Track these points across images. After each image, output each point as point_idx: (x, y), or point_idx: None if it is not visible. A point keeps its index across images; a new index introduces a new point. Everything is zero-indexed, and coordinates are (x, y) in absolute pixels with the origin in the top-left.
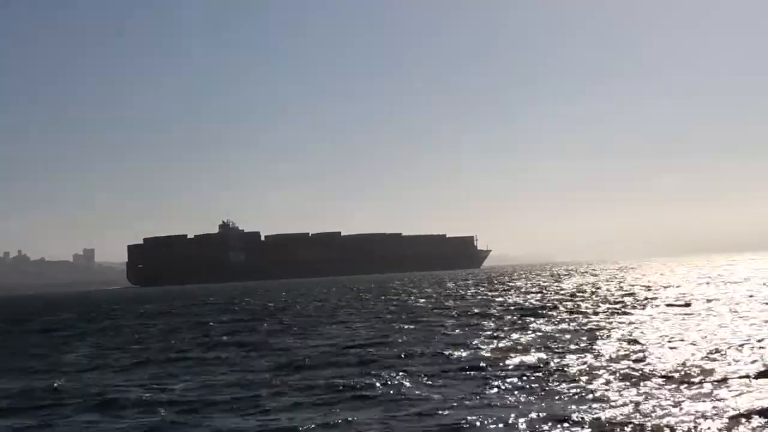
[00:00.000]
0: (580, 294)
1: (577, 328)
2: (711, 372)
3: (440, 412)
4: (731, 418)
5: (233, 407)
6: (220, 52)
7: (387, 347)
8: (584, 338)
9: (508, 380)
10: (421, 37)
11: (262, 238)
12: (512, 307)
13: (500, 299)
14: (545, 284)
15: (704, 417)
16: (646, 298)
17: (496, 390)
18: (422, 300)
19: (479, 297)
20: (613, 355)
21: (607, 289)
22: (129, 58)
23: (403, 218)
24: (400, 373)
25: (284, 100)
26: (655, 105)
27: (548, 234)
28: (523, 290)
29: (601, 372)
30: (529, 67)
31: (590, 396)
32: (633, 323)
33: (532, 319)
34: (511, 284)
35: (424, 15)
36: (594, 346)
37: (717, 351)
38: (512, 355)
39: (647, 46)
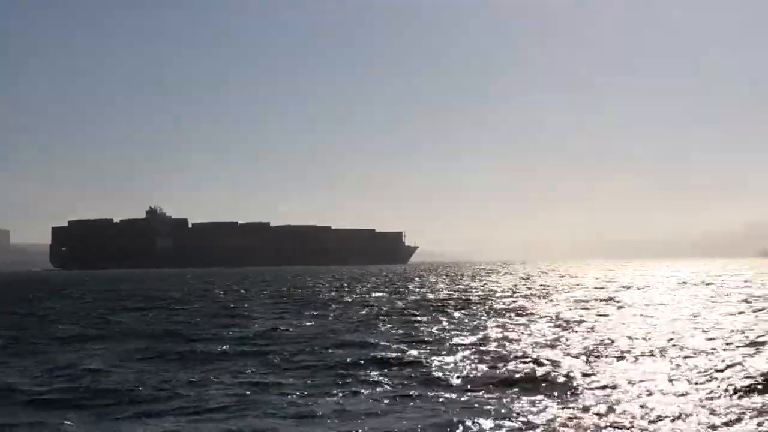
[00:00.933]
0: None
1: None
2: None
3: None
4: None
5: None
6: (149, 38)
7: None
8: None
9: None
10: (353, 37)
11: (190, 226)
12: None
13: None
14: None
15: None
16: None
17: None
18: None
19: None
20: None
21: (511, 288)
22: (42, 43)
23: (335, 212)
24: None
25: (214, 87)
26: (584, 108)
27: (477, 233)
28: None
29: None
30: (462, 69)
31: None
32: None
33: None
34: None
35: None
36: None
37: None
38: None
39: (562, 54)
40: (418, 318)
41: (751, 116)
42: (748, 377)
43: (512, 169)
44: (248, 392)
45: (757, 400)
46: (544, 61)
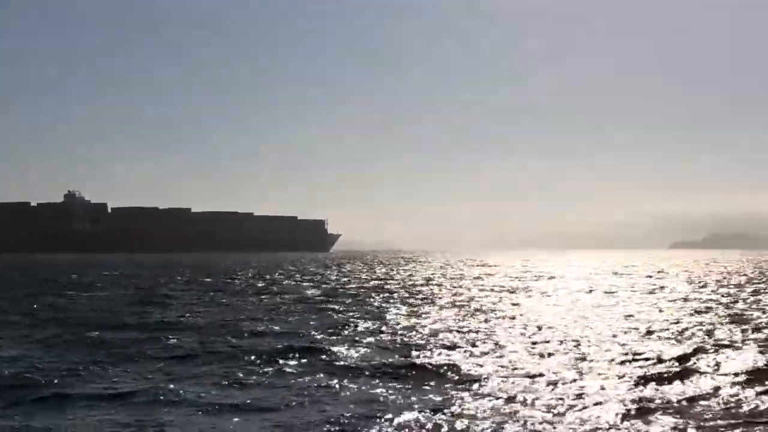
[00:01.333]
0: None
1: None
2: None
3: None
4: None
5: None
6: (65, 16)
7: None
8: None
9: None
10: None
11: (110, 210)
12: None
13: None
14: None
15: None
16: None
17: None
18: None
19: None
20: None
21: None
22: None
23: (258, 198)
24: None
25: (133, 70)
26: (508, 92)
27: (400, 222)
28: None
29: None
30: (395, 56)
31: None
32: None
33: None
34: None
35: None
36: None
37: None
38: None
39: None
40: (332, 306)
41: (673, 113)
42: (625, 361)
43: (435, 158)
44: (159, 381)
45: (623, 388)
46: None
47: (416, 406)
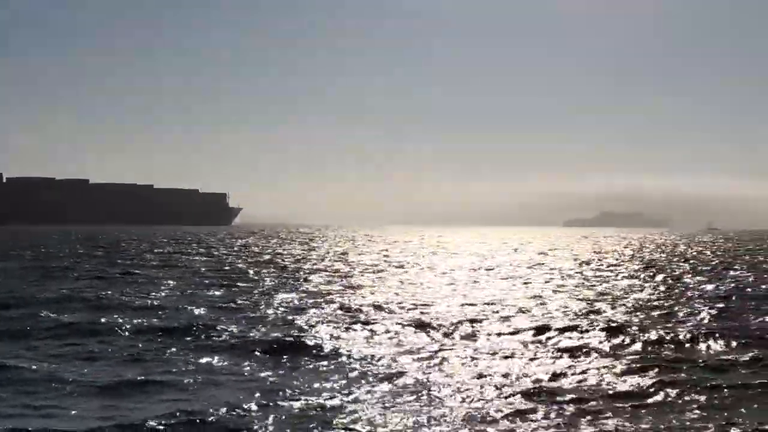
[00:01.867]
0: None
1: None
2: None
3: None
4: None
5: None
6: None
7: None
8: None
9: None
10: None
11: (4, 180)
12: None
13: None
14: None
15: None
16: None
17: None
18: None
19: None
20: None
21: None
22: None
23: (159, 171)
24: None
25: (28, 33)
26: (411, 69)
27: (303, 196)
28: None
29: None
30: (290, 27)
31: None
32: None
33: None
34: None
35: None
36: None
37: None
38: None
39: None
40: (220, 281)
41: (566, 92)
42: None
43: (338, 130)
44: (46, 361)
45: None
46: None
47: (265, 382)
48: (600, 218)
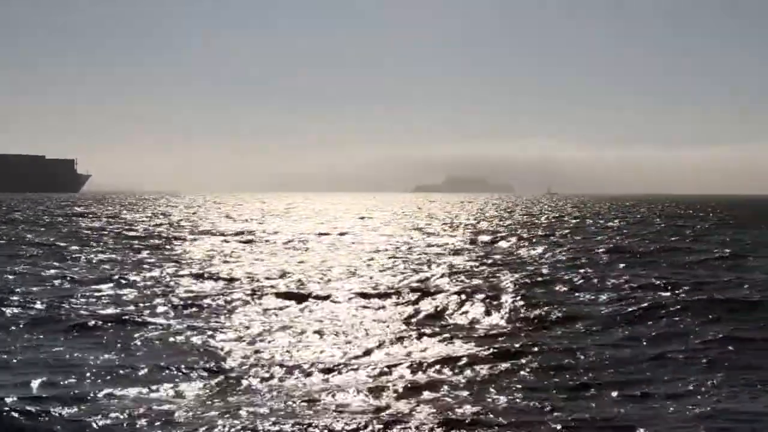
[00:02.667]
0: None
1: None
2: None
3: None
4: None
5: None
6: None
7: None
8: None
9: None
10: None
11: None
12: None
13: None
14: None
15: None
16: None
17: None
18: None
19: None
20: None
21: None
22: None
23: (10, 138)
24: None
25: None
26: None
27: (150, 163)
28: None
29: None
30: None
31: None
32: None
33: None
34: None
35: None
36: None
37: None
38: None
39: None
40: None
41: (414, 64)
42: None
43: (203, 97)
44: None
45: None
46: None
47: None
48: (447, 184)
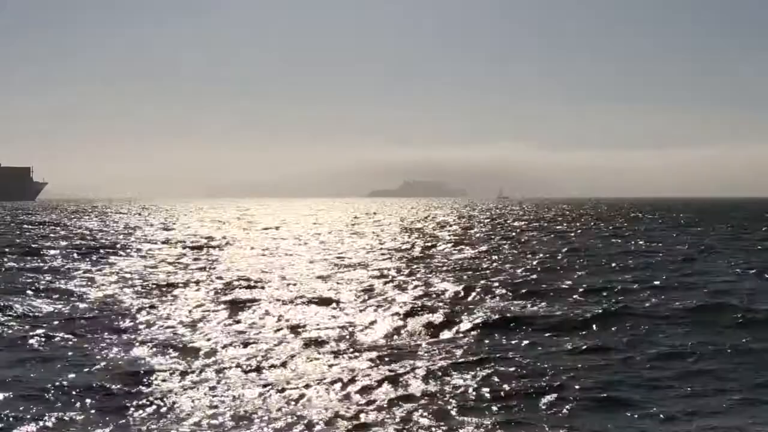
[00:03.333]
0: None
1: None
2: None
3: None
4: None
5: None
6: None
7: None
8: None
9: None
10: None
11: None
12: None
13: None
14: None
15: None
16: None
17: None
18: None
19: None
20: None
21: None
22: None
23: None
24: None
25: None
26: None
27: (109, 170)
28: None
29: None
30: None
31: None
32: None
33: None
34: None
35: None
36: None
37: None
38: None
39: None
40: None
41: (368, 70)
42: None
43: (149, 101)
44: None
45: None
46: None
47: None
48: (404, 188)
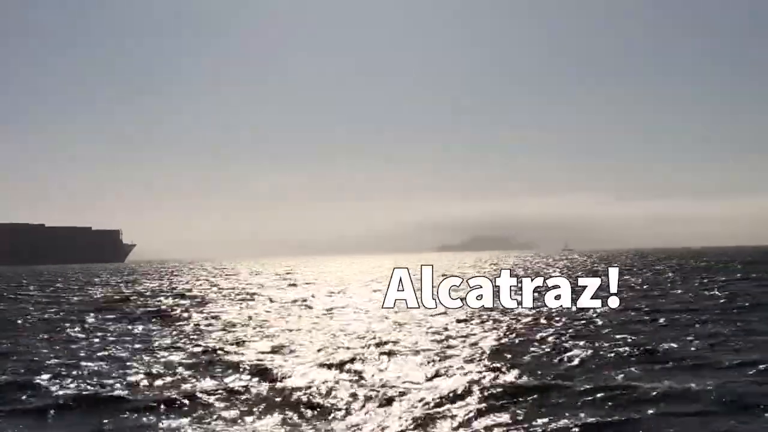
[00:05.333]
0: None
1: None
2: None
3: None
4: None
5: None
6: None
7: None
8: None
9: None
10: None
11: None
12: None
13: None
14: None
15: None
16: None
17: None
18: None
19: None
20: None
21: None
22: None
23: (50, 208)
24: None
25: None
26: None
27: (193, 232)
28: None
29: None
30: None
31: None
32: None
33: None
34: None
35: None
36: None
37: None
38: None
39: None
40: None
41: (431, 123)
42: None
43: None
44: None
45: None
46: None
47: None
48: (471, 242)
